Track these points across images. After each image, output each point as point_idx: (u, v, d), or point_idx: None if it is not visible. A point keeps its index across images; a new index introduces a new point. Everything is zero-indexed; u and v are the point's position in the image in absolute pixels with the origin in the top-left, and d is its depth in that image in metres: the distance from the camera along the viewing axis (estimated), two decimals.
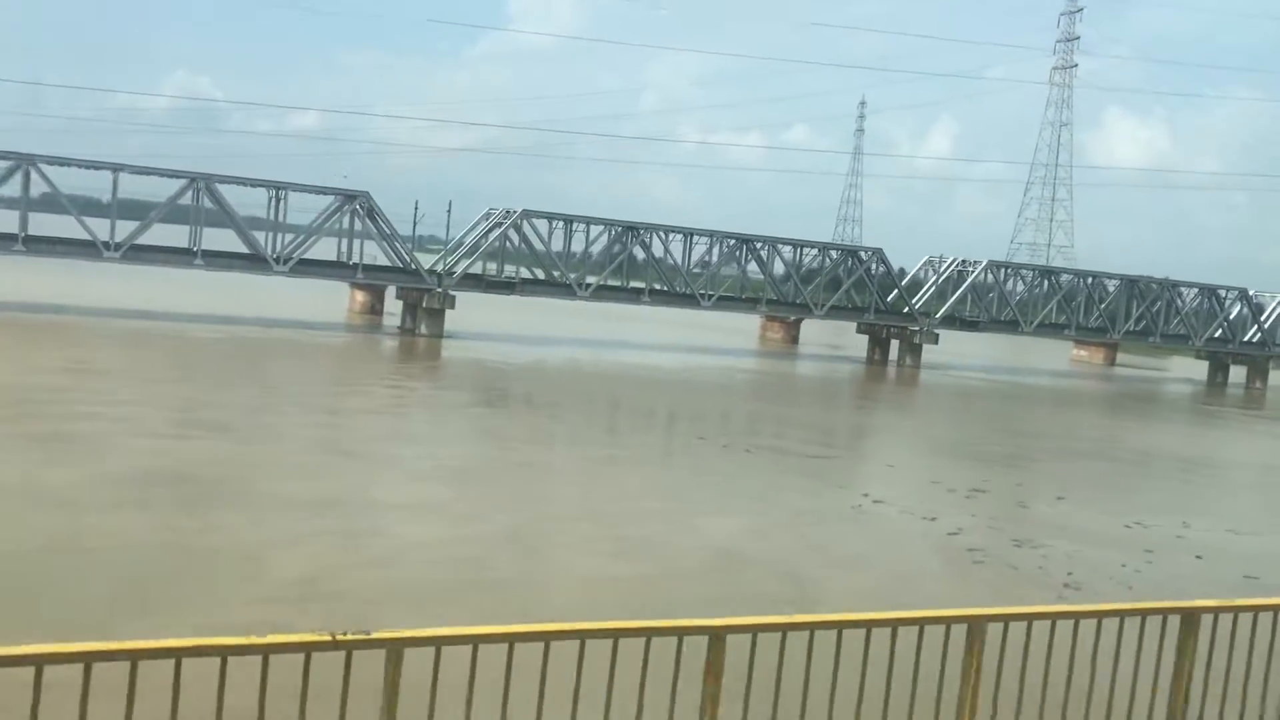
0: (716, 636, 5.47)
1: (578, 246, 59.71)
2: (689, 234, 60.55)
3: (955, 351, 74.80)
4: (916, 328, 64.12)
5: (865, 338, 66.52)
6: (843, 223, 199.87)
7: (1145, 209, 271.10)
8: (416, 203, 59.42)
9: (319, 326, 54.50)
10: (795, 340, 73.23)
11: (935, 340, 64.60)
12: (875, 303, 65.01)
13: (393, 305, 58.06)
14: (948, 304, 65.92)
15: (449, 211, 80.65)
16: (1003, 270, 69.82)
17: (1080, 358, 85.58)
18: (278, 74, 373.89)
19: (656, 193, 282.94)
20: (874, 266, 65.04)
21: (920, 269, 70.35)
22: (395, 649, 4.87)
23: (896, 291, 68.15)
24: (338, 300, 62.58)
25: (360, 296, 63.15)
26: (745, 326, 74.41)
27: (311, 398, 32.65)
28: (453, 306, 53.82)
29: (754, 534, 19.86)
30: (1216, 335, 75.17)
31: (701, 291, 59.83)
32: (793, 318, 69.86)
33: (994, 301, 68.96)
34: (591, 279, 57.82)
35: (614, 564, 16.89)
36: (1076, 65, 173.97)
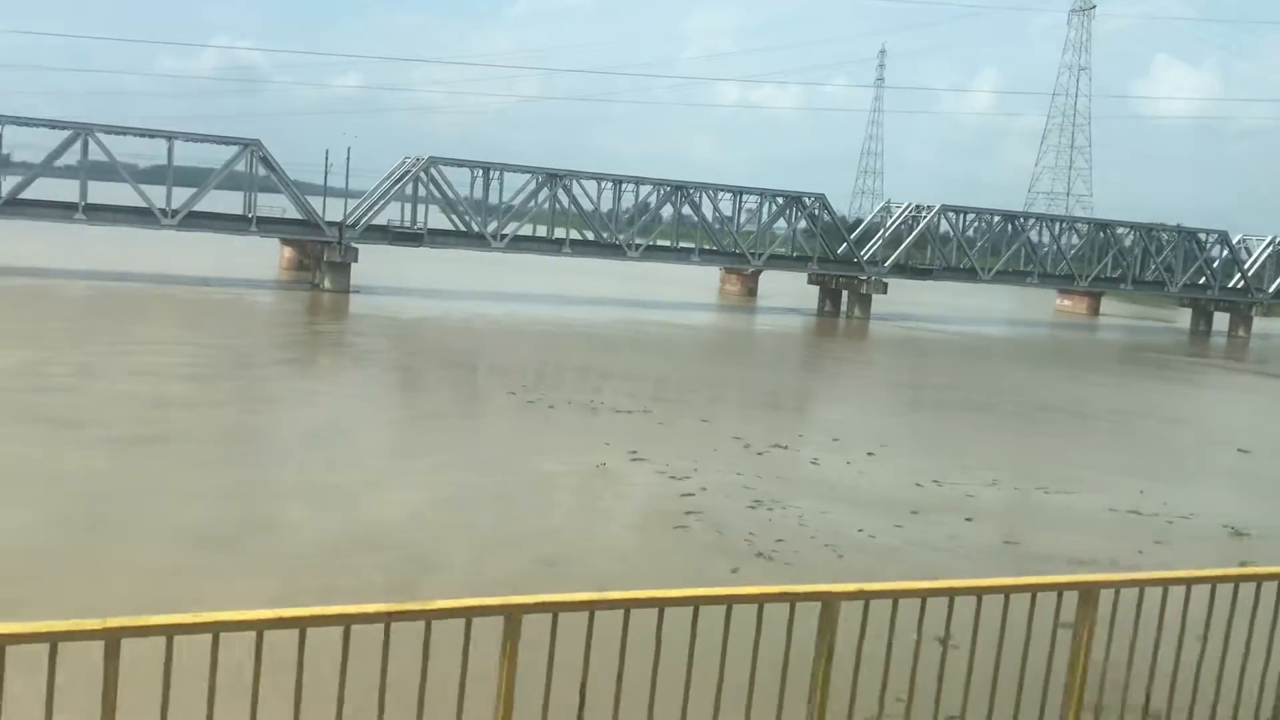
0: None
1: (505, 196, 57.16)
2: (618, 181, 57.74)
3: (927, 302, 71.63)
4: (863, 277, 61.07)
5: (817, 289, 63.65)
6: (863, 175, 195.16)
7: (1182, 158, 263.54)
8: (327, 151, 54.20)
9: (240, 284, 52.46)
10: (753, 293, 70.36)
11: (884, 290, 61.53)
12: (824, 252, 62.10)
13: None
14: (896, 251, 62.74)
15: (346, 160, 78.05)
16: (964, 216, 66.32)
17: (1065, 308, 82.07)
18: (319, 34, 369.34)
19: (695, 150, 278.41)
20: (818, 213, 61.86)
21: (876, 215, 67.06)
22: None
23: (852, 240, 65.26)
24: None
25: (287, 252, 61.10)
26: (710, 280, 71.65)
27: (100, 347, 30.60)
28: (355, 259, 51.51)
29: (442, 505, 17.44)
30: (1197, 282, 71.35)
31: (632, 241, 57.13)
32: (727, 268, 66.91)
33: (954, 249, 65.67)
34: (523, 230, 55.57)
35: (192, 555, 14.21)
36: (1095, 6, 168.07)
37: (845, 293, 62.26)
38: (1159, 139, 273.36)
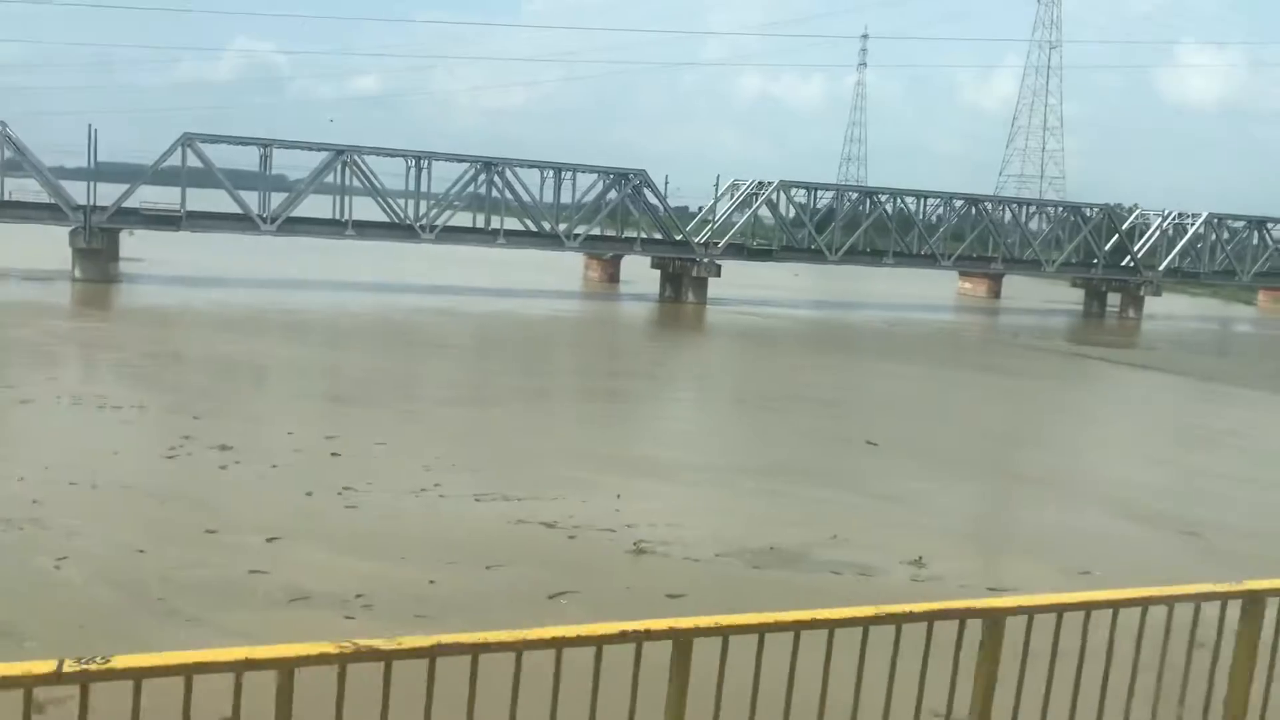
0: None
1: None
2: (420, 158, 53.77)
3: (802, 288, 67.29)
4: (696, 258, 56.82)
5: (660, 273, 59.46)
6: (846, 162, 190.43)
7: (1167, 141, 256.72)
8: (91, 127, 50.83)
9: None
10: (615, 279, 66.18)
11: (717, 273, 57.22)
12: (667, 234, 57.98)
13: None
14: (730, 231, 58.51)
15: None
16: (813, 193, 61.88)
17: (966, 291, 77.57)
18: (339, 33, 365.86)
19: (719, 142, 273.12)
20: (643, 192, 57.60)
21: (725, 194, 62.65)
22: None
23: (700, 221, 61.18)
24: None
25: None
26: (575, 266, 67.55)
27: None
28: (106, 244, 47.84)
29: None
30: (1074, 261, 66.68)
31: (430, 224, 53.17)
32: (589, 253, 62.82)
33: (805, 230, 61.32)
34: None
35: None
36: None
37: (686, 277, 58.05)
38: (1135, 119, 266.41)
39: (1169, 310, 77.69)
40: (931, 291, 76.07)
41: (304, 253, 56.04)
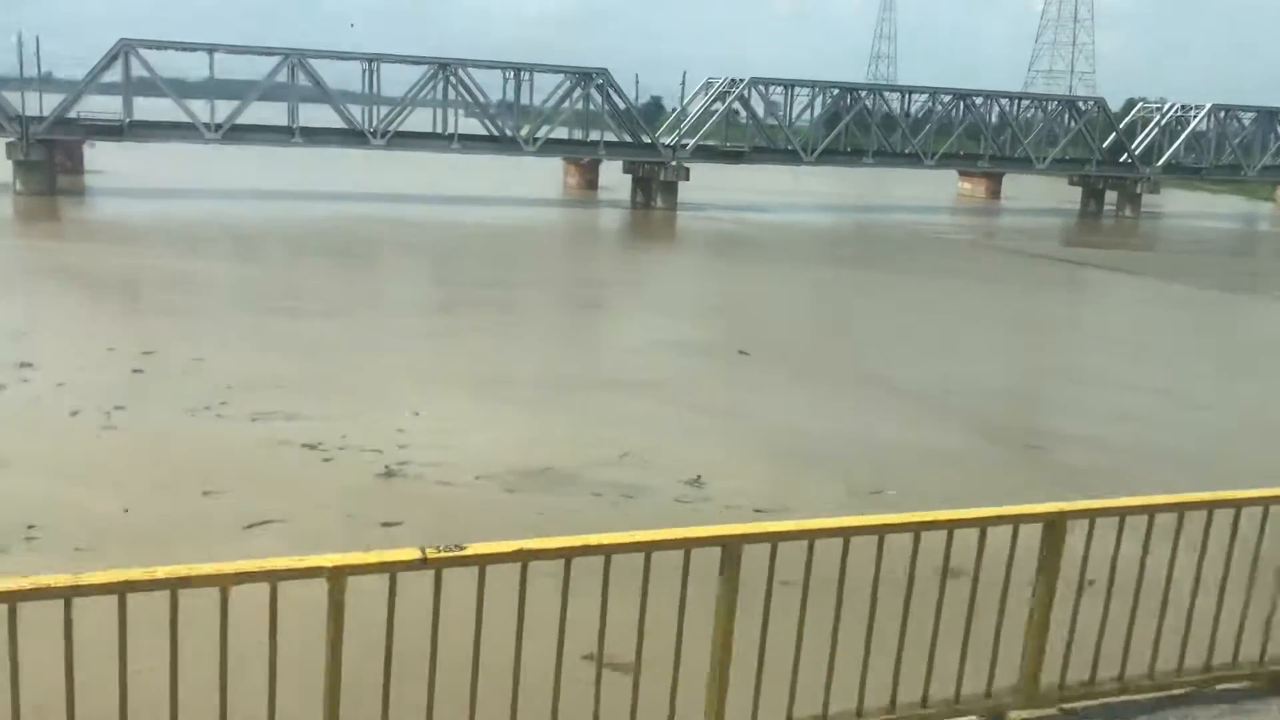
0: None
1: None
2: (370, 60, 51.97)
3: (797, 193, 65.01)
4: (662, 161, 54.91)
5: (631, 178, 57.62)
6: (875, 60, 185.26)
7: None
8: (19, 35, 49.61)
9: None
10: (593, 185, 64.35)
11: (685, 176, 55.26)
12: (634, 136, 55.99)
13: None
14: (698, 134, 56.40)
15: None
16: (790, 90, 59.36)
17: (965, 192, 75.04)
18: None
19: (755, 50, 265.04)
20: (609, 94, 55.44)
21: (698, 94, 60.26)
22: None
23: (669, 124, 59.01)
24: None
25: None
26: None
27: None
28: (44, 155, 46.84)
29: None
30: (1069, 158, 63.88)
31: (382, 129, 51.53)
32: (566, 158, 60.99)
33: (776, 129, 59.05)
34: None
35: None
36: None
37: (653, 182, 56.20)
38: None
39: (1183, 208, 74.82)
40: (930, 194, 73.53)
41: (284, 163, 54.74)
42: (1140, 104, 69.06)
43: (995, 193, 72.93)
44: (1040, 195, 73.98)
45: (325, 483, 13.94)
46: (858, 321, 28.74)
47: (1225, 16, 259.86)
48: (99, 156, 55.80)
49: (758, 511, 13.42)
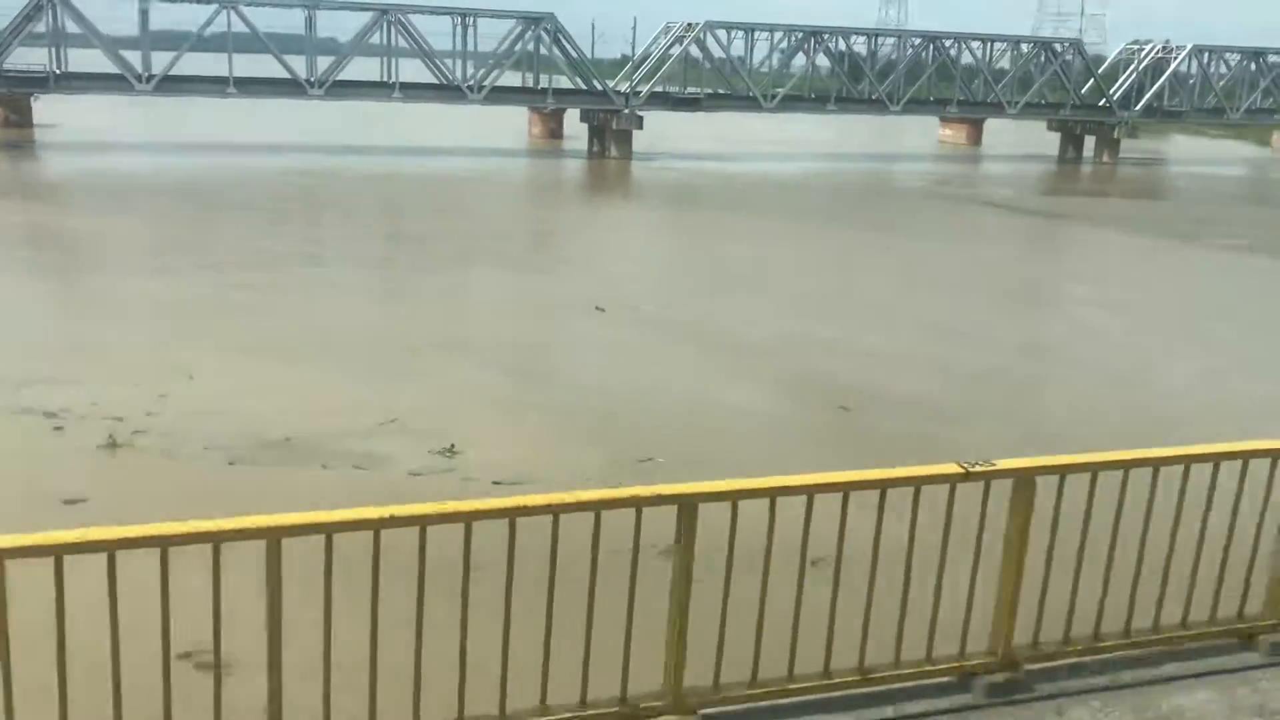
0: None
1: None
2: (309, 6, 50.59)
3: (768, 142, 63.32)
4: (615, 108, 53.48)
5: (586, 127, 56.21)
6: (886, 4, 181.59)
7: None
8: None
9: None
10: (556, 134, 62.96)
11: (639, 124, 53.87)
12: (584, 83, 54.58)
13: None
14: (652, 80, 54.85)
15: None
16: (751, 34, 57.54)
17: (946, 138, 73.25)
18: None
19: None
20: (559, 42, 53.90)
21: (657, 39, 58.57)
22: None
23: (628, 71, 57.42)
24: None
25: None
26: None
27: None
28: None
29: None
30: (1044, 102, 61.97)
31: (317, 79, 50.26)
32: (533, 107, 59.53)
33: (736, 76, 57.35)
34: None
35: None
36: None
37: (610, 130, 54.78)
38: None
39: (1177, 153, 72.84)
40: (914, 142, 71.71)
41: (247, 115, 53.62)
42: (1123, 46, 66.88)
43: (976, 140, 71.15)
44: (1022, 142, 71.93)
45: (36, 453, 13.05)
46: (754, 277, 27.49)
47: None
48: (49, 110, 54.86)
49: (495, 484, 12.45)
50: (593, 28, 58.78)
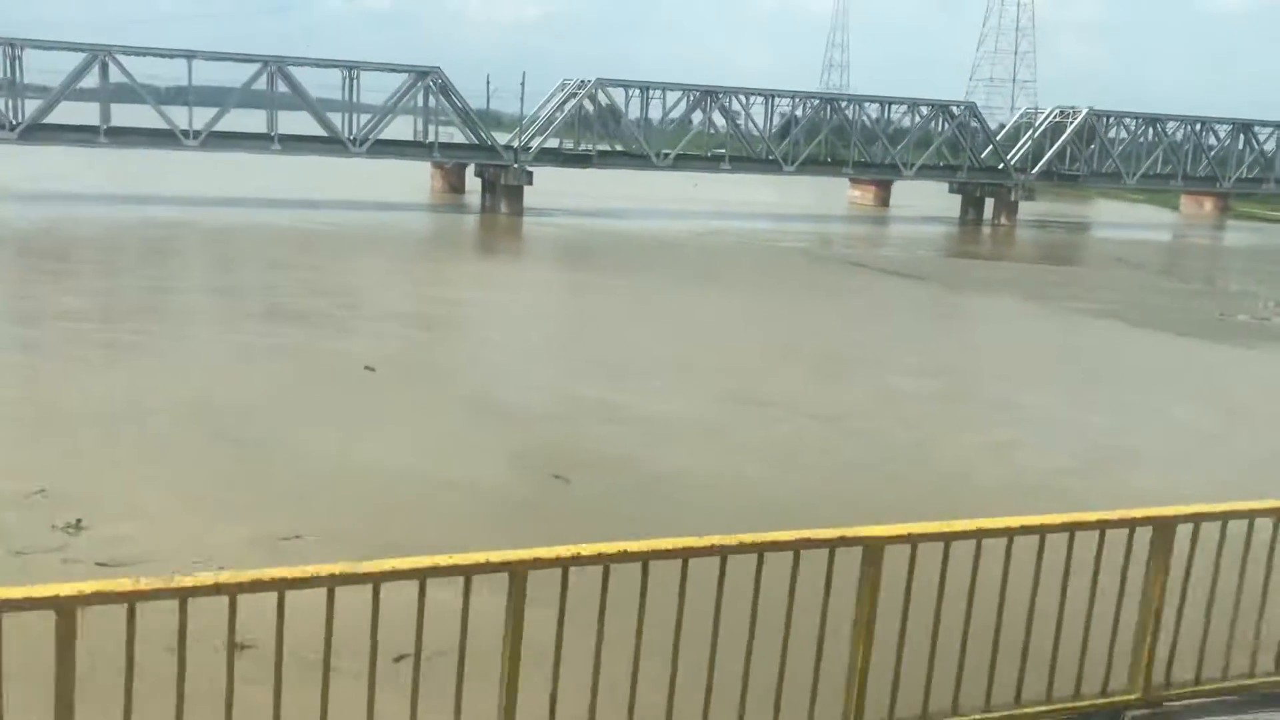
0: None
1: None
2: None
3: (677, 197, 62.38)
4: (503, 163, 52.67)
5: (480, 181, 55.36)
6: (828, 69, 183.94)
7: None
8: None
9: None
10: (459, 189, 61.92)
11: (529, 180, 53.05)
12: (476, 138, 53.77)
13: None
14: (542, 136, 54.21)
15: None
16: (646, 93, 57.07)
17: (854, 199, 73.18)
18: None
19: (738, 55, 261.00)
20: (446, 95, 53.11)
21: (552, 96, 57.96)
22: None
23: (524, 129, 56.64)
24: None
25: None
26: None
27: None
28: None
29: None
30: (941, 164, 62.03)
31: (185, 129, 48.93)
32: (434, 162, 58.50)
33: (632, 130, 56.83)
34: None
35: None
36: None
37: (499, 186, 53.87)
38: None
39: (1091, 217, 73.36)
40: (820, 201, 71.40)
41: (158, 165, 51.87)
42: (1022, 110, 67.41)
43: (885, 201, 71.13)
44: (930, 204, 72.00)
45: None
46: (570, 335, 26.40)
47: (1203, 31, 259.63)
48: None
49: (99, 565, 11.11)
50: (487, 82, 57.90)
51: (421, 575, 4.39)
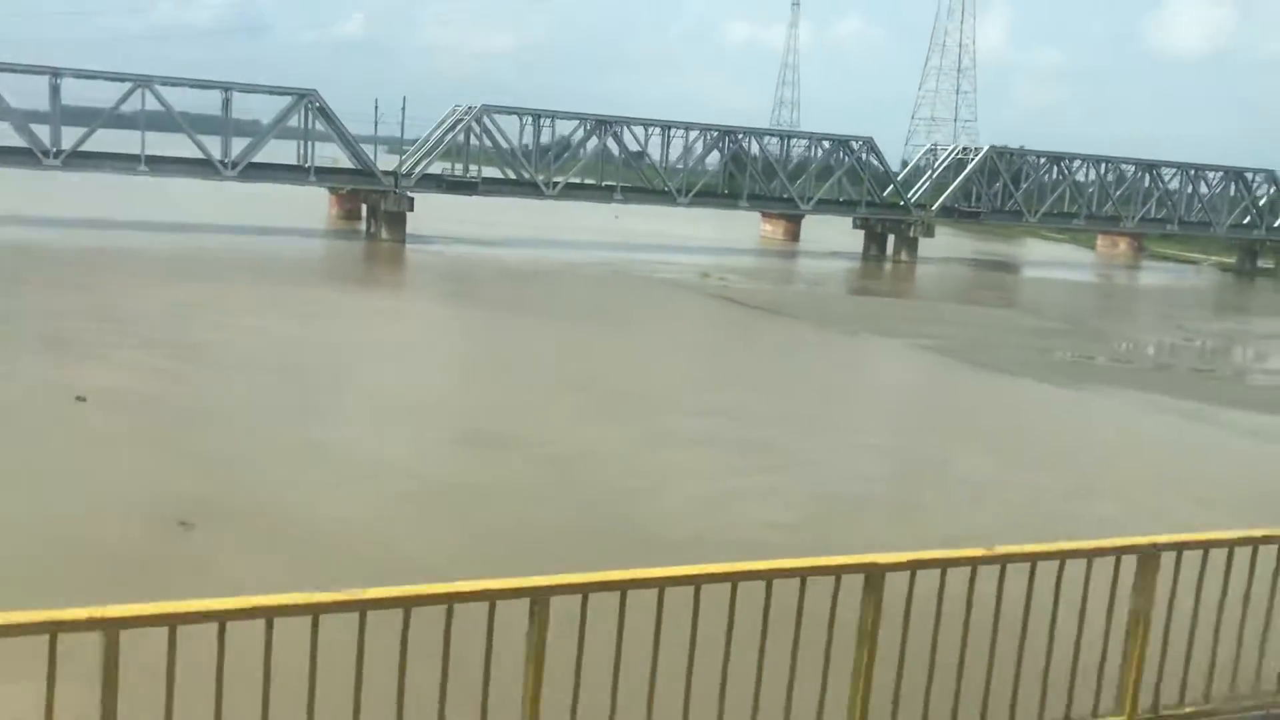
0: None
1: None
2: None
3: (572, 227, 61.54)
4: (384, 189, 51.68)
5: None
6: (780, 106, 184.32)
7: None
8: None
9: None
10: (355, 216, 60.71)
11: (410, 206, 52.10)
12: (360, 164, 52.73)
13: None
14: (423, 161, 53.35)
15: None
16: (537, 121, 56.35)
17: (765, 233, 72.74)
18: None
19: (715, 90, 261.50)
20: (324, 118, 52.12)
21: (442, 122, 57.09)
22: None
23: (418, 155, 55.75)
24: None
25: None
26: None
27: None
28: None
29: None
30: (842, 200, 61.67)
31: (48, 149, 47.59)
32: (332, 188, 57.37)
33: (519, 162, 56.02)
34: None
35: None
36: None
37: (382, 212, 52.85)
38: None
39: (1004, 254, 73.18)
40: (731, 235, 70.76)
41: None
42: (926, 148, 67.31)
43: (795, 235, 70.69)
44: (840, 240, 71.57)
45: None
46: (340, 364, 25.26)
47: (1161, 78, 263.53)
48: None
49: None
50: (376, 106, 57.00)
51: (449, 600, 4.65)
